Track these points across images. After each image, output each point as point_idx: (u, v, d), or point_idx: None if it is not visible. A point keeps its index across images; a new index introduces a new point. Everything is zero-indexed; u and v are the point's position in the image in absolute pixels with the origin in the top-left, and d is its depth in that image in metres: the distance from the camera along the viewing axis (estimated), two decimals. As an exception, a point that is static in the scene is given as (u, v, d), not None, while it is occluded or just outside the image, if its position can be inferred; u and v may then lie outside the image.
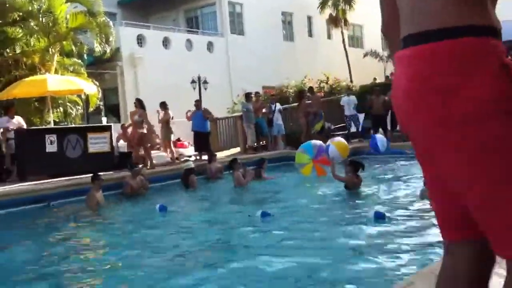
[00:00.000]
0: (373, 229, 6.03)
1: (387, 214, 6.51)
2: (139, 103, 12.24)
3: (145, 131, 12.12)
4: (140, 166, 10.64)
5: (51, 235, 7.12)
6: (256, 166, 11.11)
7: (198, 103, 14.28)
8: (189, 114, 14.06)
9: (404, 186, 9.10)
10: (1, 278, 5.18)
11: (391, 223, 6.27)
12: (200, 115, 13.75)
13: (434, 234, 5.05)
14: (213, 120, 14.40)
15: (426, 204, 6.57)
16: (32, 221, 8.03)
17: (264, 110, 15.61)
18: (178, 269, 5.06)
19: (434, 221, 1.30)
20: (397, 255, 4.86)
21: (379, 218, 6.37)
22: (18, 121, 11.86)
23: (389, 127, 15.45)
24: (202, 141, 13.64)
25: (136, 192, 9.81)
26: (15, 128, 11.41)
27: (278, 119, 15.61)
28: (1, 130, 11.35)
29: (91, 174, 9.28)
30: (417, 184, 8.06)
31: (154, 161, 12.41)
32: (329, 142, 9.94)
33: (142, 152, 12.37)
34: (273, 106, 15.66)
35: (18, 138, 11.33)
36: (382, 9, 1.60)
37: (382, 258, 4.81)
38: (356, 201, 8.08)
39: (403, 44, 1.39)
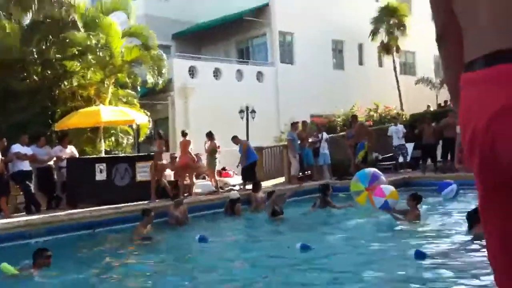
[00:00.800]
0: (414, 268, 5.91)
1: (431, 252, 6.33)
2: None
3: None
4: (182, 196, 10.86)
5: (93, 262, 7.38)
6: (320, 193, 10.92)
7: (235, 140, 14.28)
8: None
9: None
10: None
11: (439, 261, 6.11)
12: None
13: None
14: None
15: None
16: (77, 248, 8.40)
17: (310, 140, 15.60)
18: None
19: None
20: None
21: (419, 257, 6.19)
22: (71, 150, 12.49)
23: (438, 157, 15.05)
24: (248, 170, 13.86)
25: (180, 222, 10.01)
26: (67, 157, 12.01)
27: (324, 149, 15.55)
28: (54, 158, 11.97)
29: (138, 202, 9.58)
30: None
31: (198, 190, 12.70)
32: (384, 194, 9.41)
33: (187, 181, 12.69)
34: (319, 136, 15.63)
35: (70, 166, 11.92)
36: (437, 14, 1.47)
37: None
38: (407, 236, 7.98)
39: (484, 62, 1.23)
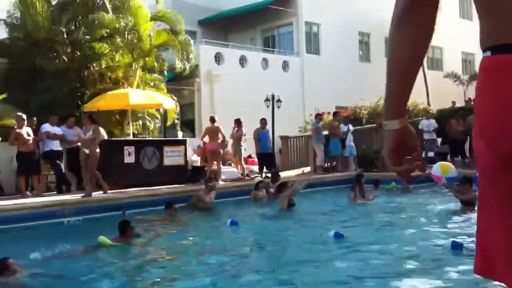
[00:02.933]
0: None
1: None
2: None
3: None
4: (213, 182, 10.81)
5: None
6: (355, 183, 10.82)
7: (263, 122, 14.45)
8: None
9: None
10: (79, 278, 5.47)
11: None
12: (265, 136, 14.06)
13: None
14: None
15: None
16: (105, 229, 8.40)
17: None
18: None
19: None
20: None
21: (456, 247, 6.13)
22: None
23: (467, 153, 14.85)
24: (267, 162, 13.92)
25: (208, 206, 10.00)
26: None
27: (350, 140, 15.43)
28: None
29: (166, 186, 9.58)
30: None
31: (224, 176, 12.67)
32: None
33: (214, 167, 12.65)
34: (345, 127, 15.50)
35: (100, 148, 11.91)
36: None
37: None
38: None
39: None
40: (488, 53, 1.18)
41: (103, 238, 6.80)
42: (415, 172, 1.36)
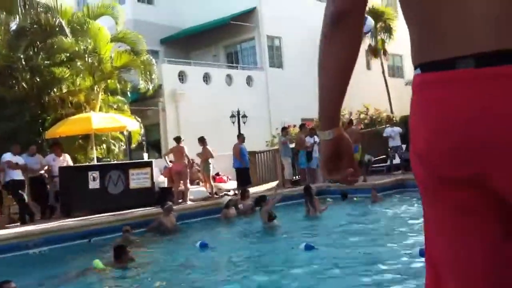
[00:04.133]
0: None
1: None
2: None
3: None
4: (168, 203, 10.68)
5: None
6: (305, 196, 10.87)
7: (243, 137, 14.57)
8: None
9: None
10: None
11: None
12: (245, 150, 14.09)
13: None
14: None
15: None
16: (71, 258, 8.24)
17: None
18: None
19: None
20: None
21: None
22: (65, 159, 12.29)
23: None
24: (245, 177, 13.91)
25: (171, 229, 9.86)
26: (62, 165, 11.82)
27: (316, 152, 15.55)
28: (46, 167, 11.78)
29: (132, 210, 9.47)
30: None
31: (192, 196, 12.59)
32: None
33: (181, 187, 12.57)
34: (311, 139, 15.63)
35: (62, 175, 11.73)
36: None
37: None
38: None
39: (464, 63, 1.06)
40: (419, 71, 1.18)
41: (97, 262, 6.89)
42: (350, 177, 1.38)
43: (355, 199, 12.55)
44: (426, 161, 1.15)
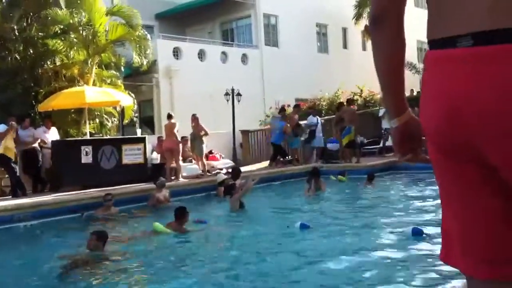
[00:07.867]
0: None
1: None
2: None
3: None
4: (161, 179, 10.72)
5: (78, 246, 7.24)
6: (313, 176, 10.85)
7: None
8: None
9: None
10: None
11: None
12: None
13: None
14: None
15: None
16: (62, 232, 8.27)
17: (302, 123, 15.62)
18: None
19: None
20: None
21: (416, 233, 6.31)
22: (53, 133, 12.23)
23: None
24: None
25: (162, 204, 9.93)
26: (50, 140, 11.76)
27: (320, 132, 15.61)
28: (39, 140, 11.72)
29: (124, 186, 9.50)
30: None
31: (185, 173, 12.60)
32: None
33: (173, 164, 12.57)
34: (315, 119, 15.63)
35: (55, 149, 11.67)
36: None
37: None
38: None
39: (455, 43, 1.16)
40: (428, 47, 1.27)
41: (157, 225, 7.31)
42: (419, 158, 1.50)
43: (340, 178, 12.62)
44: (427, 132, 1.28)
